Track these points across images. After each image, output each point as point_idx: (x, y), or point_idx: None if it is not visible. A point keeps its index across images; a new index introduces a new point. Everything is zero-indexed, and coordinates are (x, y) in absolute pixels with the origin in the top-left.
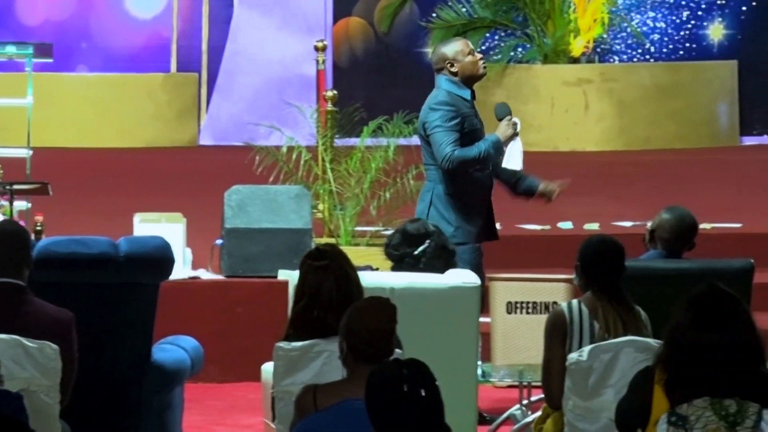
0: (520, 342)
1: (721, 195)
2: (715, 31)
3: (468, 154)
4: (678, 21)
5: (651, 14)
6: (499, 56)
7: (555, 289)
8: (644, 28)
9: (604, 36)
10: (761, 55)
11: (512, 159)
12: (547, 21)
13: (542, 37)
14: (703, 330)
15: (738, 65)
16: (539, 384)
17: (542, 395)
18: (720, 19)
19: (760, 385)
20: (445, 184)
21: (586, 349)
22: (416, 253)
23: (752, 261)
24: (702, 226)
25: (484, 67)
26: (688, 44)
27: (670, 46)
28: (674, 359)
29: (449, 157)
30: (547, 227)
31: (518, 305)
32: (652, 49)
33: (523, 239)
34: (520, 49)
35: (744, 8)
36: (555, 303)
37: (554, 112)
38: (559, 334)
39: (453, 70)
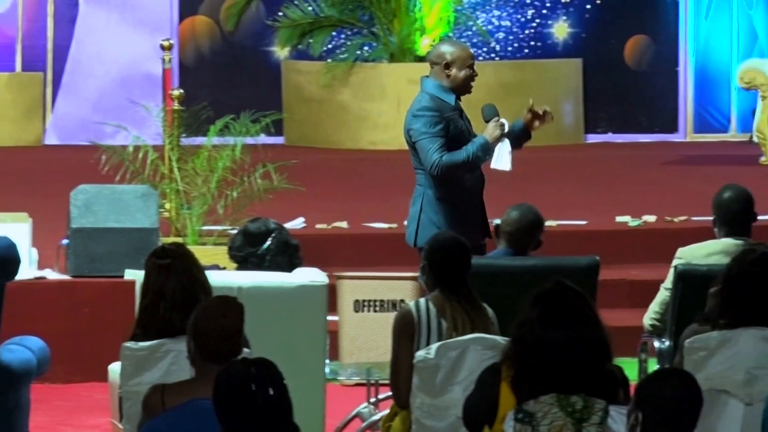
0: (367, 340)
1: (566, 192)
2: (560, 30)
3: (456, 158)
4: (523, 20)
5: (496, 13)
6: (346, 55)
7: (402, 287)
8: (489, 27)
9: (450, 35)
10: (605, 53)
11: (501, 160)
12: (393, 20)
13: (388, 36)
14: (549, 327)
15: (582, 63)
16: (387, 382)
17: (390, 393)
18: (565, 18)
19: (606, 382)
20: (435, 188)
21: (434, 346)
22: (260, 252)
23: (598, 258)
24: (548, 223)
25: (471, 87)
26: (533, 43)
27: (515, 45)
28: (521, 356)
29: (437, 164)
30: (394, 225)
31: (365, 303)
32: (498, 47)
33: (370, 237)
34: (366, 48)
35: (588, 7)
36: (402, 301)
37: (400, 110)
38: (406, 332)
39: (446, 73)
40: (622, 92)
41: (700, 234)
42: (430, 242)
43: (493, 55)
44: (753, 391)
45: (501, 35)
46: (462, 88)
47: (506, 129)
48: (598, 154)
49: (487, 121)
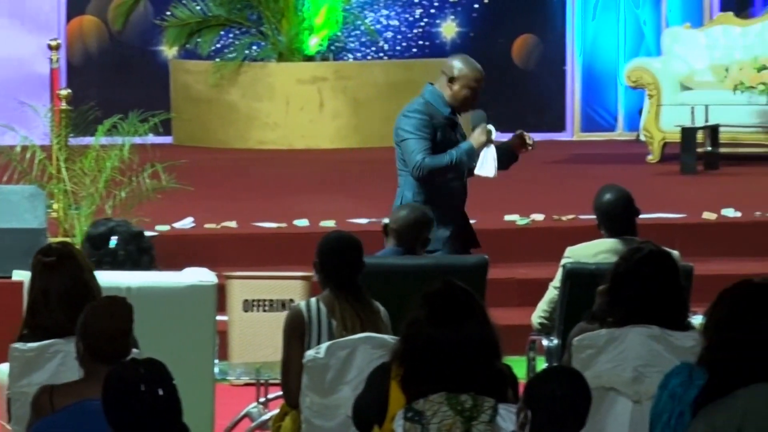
0: (257, 340)
1: None
2: (448, 29)
3: (439, 162)
4: (411, 19)
5: (384, 12)
6: (234, 54)
7: (291, 287)
8: (378, 26)
9: (339, 34)
10: (493, 52)
11: (485, 166)
12: (281, 19)
13: (277, 36)
14: (438, 326)
15: None
16: (276, 382)
17: (279, 393)
18: (452, 17)
19: (495, 380)
20: (414, 191)
21: (324, 346)
22: (108, 251)
23: (486, 257)
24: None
25: (472, 105)
26: (421, 42)
27: (404, 44)
28: (410, 355)
29: (420, 165)
30: (283, 225)
31: (255, 303)
32: (386, 47)
33: (259, 237)
34: (254, 47)
35: (476, 6)
36: (291, 300)
37: (289, 110)
38: (297, 332)
39: (450, 85)
40: (510, 91)
41: (588, 233)
42: (321, 241)
43: (381, 54)
44: (641, 389)
45: (389, 34)
46: (459, 106)
47: (493, 136)
48: None
49: (474, 128)
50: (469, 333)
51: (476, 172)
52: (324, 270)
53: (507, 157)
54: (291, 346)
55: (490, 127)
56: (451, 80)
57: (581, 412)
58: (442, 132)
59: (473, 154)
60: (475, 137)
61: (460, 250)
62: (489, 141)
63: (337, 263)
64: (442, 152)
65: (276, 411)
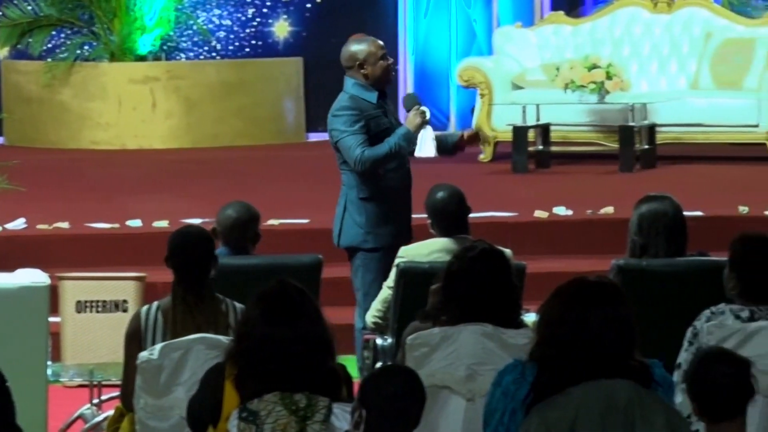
0: (90, 341)
1: (288, 191)
2: (281, 29)
3: (379, 152)
4: (244, 19)
5: (217, 12)
6: (66, 54)
7: (124, 287)
8: (210, 26)
9: (171, 34)
10: (325, 52)
11: (424, 147)
12: (113, 19)
13: (109, 35)
14: (271, 325)
15: (303, 62)
16: (110, 383)
17: (113, 394)
18: (285, 17)
19: (329, 379)
20: (358, 188)
21: (157, 347)
22: None
23: (321, 256)
24: (270, 222)
25: (394, 76)
26: (254, 42)
27: (236, 44)
28: (244, 354)
29: (360, 159)
30: (116, 225)
31: (88, 304)
32: (219, 46)
33: (92, 237)
34: (86, 47)
35: (308, 6)
36: (125, 301)
37: (122, 110)
38: (135, 337)
39: (363, 72)
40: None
41: (422, 231)
42: (171, 236)
43: (214, 54)
44: (474, 387)
45: (222, 34)
46: (382, 80)
47: (428, 117)
48: (320, 153)
49: (408, 111)
50: (302, 332)
51: (416, 154)
52: (174, 268)
53: (452, 145)
54: (130, 350)
55: (424, 108)
56: (361, 65)
57: (415, 411)
58: (375, 122)
59: (411, 138)
60: (410, 120)
61: (410, 242)
62: (424, 122)
63: (184, 261)
64: (379, 142)
65: (110, 412)
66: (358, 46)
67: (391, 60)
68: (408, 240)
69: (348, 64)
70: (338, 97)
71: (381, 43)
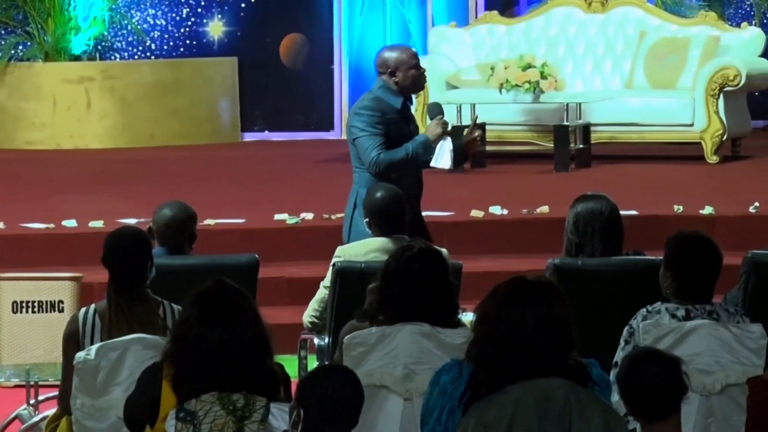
0: (26, 341)
1: (224, 191)
2: (215, 29)
3: (395, 155)
4: (178, 18)
5: (151, 11)
6: (0, 54)
7: (61, 288)
8: (145, 26)
9: (105, 34)
10: (260, 51)
11: (441, 158)
12: (47, 18)
13: (43, 35)
14: (207, 325)
15: (238, 62)
16: (47, 383)
17: (50, 394)
18: (220, 16)
19: (267, 379)
20: (368, 187)
21: (94, 347)
22: None
23: (257, 256)
24: (206, 222)
25: (425, 81)
26: (188, 41)
27: (171, 44)
28: (180, 355)
29: (376, 161)
30: (51, 225)
31: (24, 304)
32: (153, 46)
33: (27, 238)
34: (21, 47)
35: (243, 5)
36: (61, 302)
37: (56, 110)
38: (73, 339)
39: (394, 79)
40: (278, 90)
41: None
42: (107, 237)
43: (149, 53)
44: (412, 386)
45: (156, 34)
46: (412, 88)
47: (449, 127)
48: (255, 153)
49: (432, 119)
50: (239, 332)
51: (432, 164)
52: (108, 268)
53: (459, 156)
54: (68, 352)
55: (446, 119)
56: (392, 73)
57: (353, 410)
58: (396, 126)
59: (429, 147)
60: (431, 129)
61: None
62: (445, 133)
63: (119, 263)
64: (397, 146)
65: (48, 412)
66: (390, 53)
67: (423, 69)
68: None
69: (381, 69)
70: (363, 95)
71: (414, 51)
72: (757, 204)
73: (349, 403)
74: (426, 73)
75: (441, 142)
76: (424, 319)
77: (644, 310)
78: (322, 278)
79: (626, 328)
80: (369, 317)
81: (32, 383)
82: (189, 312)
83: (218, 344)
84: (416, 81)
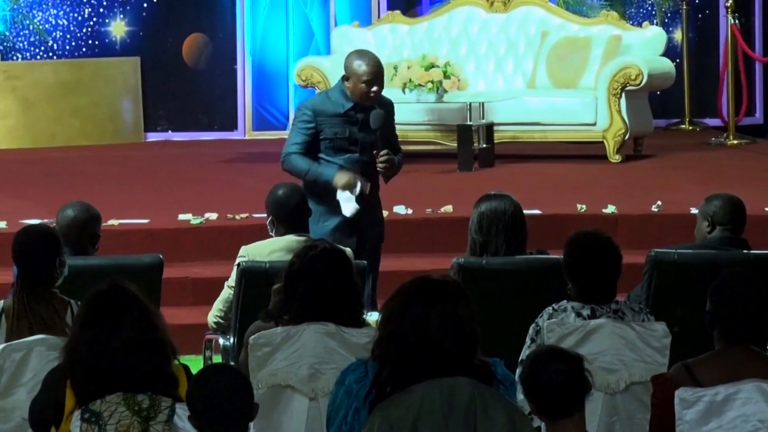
0: None
1: (127, 191)
2: (117, 28)
3: (297, 165)
4: (80, 18)
5: (53, 11)
6: None
7: None
8: (47, 26)
9: (7, 34)
10: (162, 51)
11: (343, 205)
12: None
13: None
14: (93, 326)
15: (141, 62)
16: None
17: None
18: (122, 16)
19: (170, 380)
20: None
21: None
22: None
23: (161, 256)
24: (109, 222)
25: (368, 103)
26: (90, 41)
27: (73, 44)
28: (70, 356)
29: (284, 158)
30: None
31: None
32: (56, 46)
33: None
34: None
35: (145, 5)
36: None
37: None
38: None
39: (346, 83)
40: (181, 90)
41: (262, 231)
42: (15, 234)
43: (51, 53)
44: (317, 386)
45: (58, 34)
46: (360, 101)
47: (358, 188)
48: (158, 153)
49: (374, 129)
50: (128, 333)
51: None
52: (15, 261)
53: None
54: None
55: (360, 188)
56: (346, 78)
57: (242, 407)
58: (331, 127)
59: (328, 185)
60: (338, 178)
61: (346, 242)
62: (348, 187)
63: (26, 255)
64: (330, 143)
65: None
66: (352, 60)
67: (374, 89)
68: (349, 236)
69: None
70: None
71: (373, 69)
72: (659, 203)
73: (236, 400)
74: (376, 95)
75: (342, 192)
76: (329, 318)
77: (550, 308)
78: (227, 278)
79: (532, 326)
80: (274, 317)
81: None
82: (78, 314)
83: (103, 345)
84: (362, 96)
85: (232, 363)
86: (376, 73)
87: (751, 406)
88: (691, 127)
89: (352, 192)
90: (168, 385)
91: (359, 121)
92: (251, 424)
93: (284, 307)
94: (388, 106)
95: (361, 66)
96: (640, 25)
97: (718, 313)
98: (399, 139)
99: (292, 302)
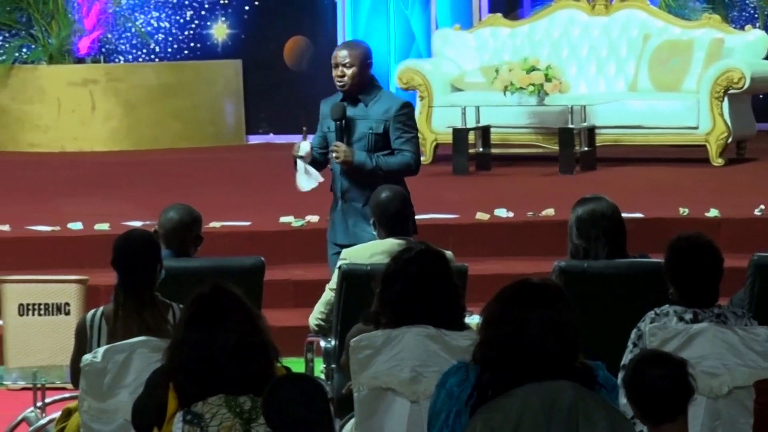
0: (33, 344)
1: (229, 193)
2: (219, 31)
3: None
4: (182, 21)
5: (155, 14)
6: (4, 57)
7: (66, 290)
8: (149, 29)
9: (109, 36)
10: (264, 54)
11: (301, 182)
12: (51, 21)
13: (47, 38)
14: (197, 329)
15: (242, 64)
16: (53, 386)
17: (57, 397)
18: (223, 19)
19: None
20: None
21: (101, 350)
22: None
23: (262, 259)
24: (211, 224)
25: (341, 85)
26: (192, 44)
27: (175, 46)
28: (173, 358)
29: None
30: (57, 228)
31: (30, 307)
32: (157, 49)
33: (33, 240)
34: (25, 50)
35: (247, 8)
36: (67, 304)
37: (61, 112)
38: (82, 339)
39: None
40: (282, 93)
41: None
42: (116, 240)
43: (152, 56)
44: (418, 388)
45: (160, 37)
46: (339, 88)
47: (300, 151)
48: (260, 155)
49: (333, 120)
50: (230, 336)
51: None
52: (116, 268)
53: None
54: (76, 351)
55: (304, 144)
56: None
57: (318, 418)
58: (325, 124)
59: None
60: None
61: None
62: (297, 156)
63: (129, 261)
64: (323, 142)
65: (54, 415)
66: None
67: (340, 72)
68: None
69: None
70: None
71: (337, 51)
72: (762, 206)
73: (310, 410)
74: (344, 77)
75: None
76: (427, 321)
77: (652, 312)
78: (328, 281)
79: (634, 330)
80: (373, 320)
81: (39, 386)
82: (181, 316)
83: (207, 348)
84: (337, 82)
85: (333, 366)
86: (339, 55)
87: None
88: None
89: (304, 161)
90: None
91: (344, 121)
92: (352, 425)
93: (381, 310)
94: (390, 106)
95: (335, 50)
96: (742, 28)
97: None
98: (502, 142)
99: (386, 305)
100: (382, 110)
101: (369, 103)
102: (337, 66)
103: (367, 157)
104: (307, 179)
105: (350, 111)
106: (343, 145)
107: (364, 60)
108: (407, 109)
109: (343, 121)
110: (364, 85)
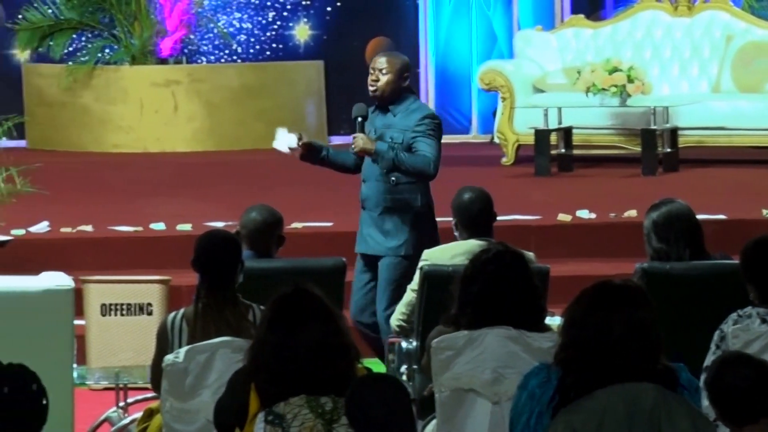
0: (115, 344)
1: (310, 194)
2: (301, 32)
3: None
4: (264, 22)
5: (237, 15)
6: (87, 58)
7: (149, 291)
8: (231, 29)
9: (192, 37)
10: (346, 55)
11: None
12: (134, 22)
13: (129, 39)
14: (276, 329)
15: (324, 65)
16: (135, 386)
17: (139, 397)
18: (306, 20)
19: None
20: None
21: (183, 350)
22: None
23: (344, 259)
24: (293, 225)
25: (373, 90)
26: (274, 45)
27: (257, 47)
28: (255, 358)
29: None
30: (140, 228)
31: (112, 307)
32: (239, 49)
33: (115, 241)
34: (107, 51)
35: (329, 9)
36: (150, 304)
37: (143, 113)
38: (163, 341)
39: None
40: (364, 94)
41: (446, 234)
42: (197, 239)
43: (235, 57)
44: (500, 389)
45: (242, 37)
46: (371, 93)
47: (275, 143)
48: None
49: (353, 118)
50: (312, 336)
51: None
52: (198, 268)
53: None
54: (157, 353)
55: (289, 135)
56: None
57: (400, 419)
58: (372, 126)
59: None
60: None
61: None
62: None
63: (211, 261)
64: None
65: (136, 415)
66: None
67: (375, 77)
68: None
69: None
70: None
71: (377, 59)
72: None
73: (392, 411)
74: (378, 81)
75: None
76: (509, 322)
77: (735, 314)
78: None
79: (717, 332)
80: (453, 321)
81: (121, 386)
82: (264, 316)
83: (289, 349)
84: (369, 85)
85: (415, 366)
86: (377, 61)
87: None
88: None
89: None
90: (344, 387)
91: (386, 115)
92: (433, 426)
93: (460, 311)
94: (415, 117)
95: (374, 57)
96: None
97: None
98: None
99: (465, 306)
100: (407, 121)
101: (397, 114)
102: (373, 71)
103: (389, 148)
104: (284, 140)
105: (379, 119)
106: (361, 134)
107: (400, 70)
108: (429, 118)
109: (361, 118)
110: (397, 95)
